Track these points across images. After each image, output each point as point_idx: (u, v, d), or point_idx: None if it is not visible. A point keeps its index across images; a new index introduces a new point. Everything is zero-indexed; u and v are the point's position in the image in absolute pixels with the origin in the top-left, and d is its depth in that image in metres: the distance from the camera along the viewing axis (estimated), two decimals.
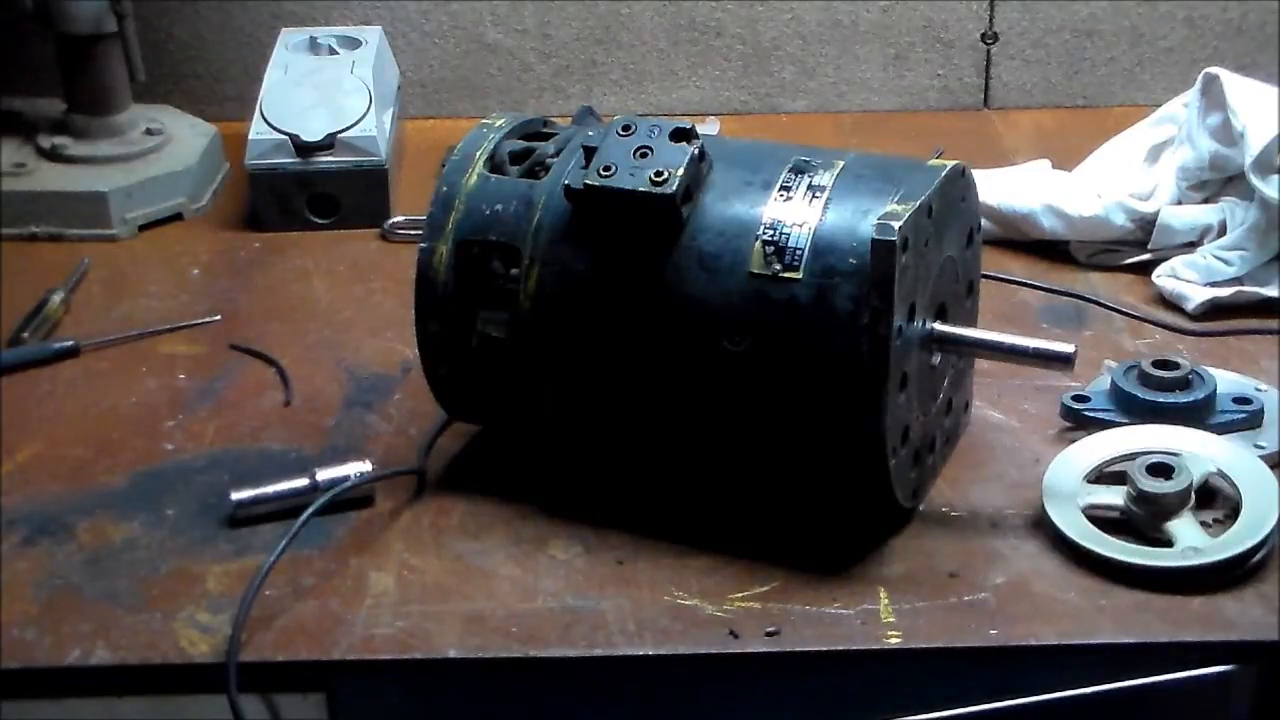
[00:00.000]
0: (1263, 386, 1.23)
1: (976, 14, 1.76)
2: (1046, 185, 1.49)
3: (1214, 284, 1.38)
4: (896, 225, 1.00)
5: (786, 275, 1.04)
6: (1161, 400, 1.18)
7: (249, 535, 1.12)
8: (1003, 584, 1.06)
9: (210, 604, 1.05)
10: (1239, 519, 1.09)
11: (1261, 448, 1.16)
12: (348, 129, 1.54)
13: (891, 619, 1.03)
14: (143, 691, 1.03)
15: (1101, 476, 1.14)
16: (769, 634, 1.02)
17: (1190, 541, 1.07)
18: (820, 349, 1.03)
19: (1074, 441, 1.17)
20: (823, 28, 1.76)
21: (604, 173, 1.06)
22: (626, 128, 1.08)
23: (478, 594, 1.06)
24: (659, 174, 1.05)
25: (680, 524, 1.11)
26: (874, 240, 1.00)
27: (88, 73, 1.58)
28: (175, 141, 1.62)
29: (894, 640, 1.02)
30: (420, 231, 1.13)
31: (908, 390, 1.06)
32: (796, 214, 1.05)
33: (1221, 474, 1.12)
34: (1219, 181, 1.44)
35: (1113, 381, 1.20)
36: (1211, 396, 1.18)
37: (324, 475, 1.14)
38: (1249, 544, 1.06)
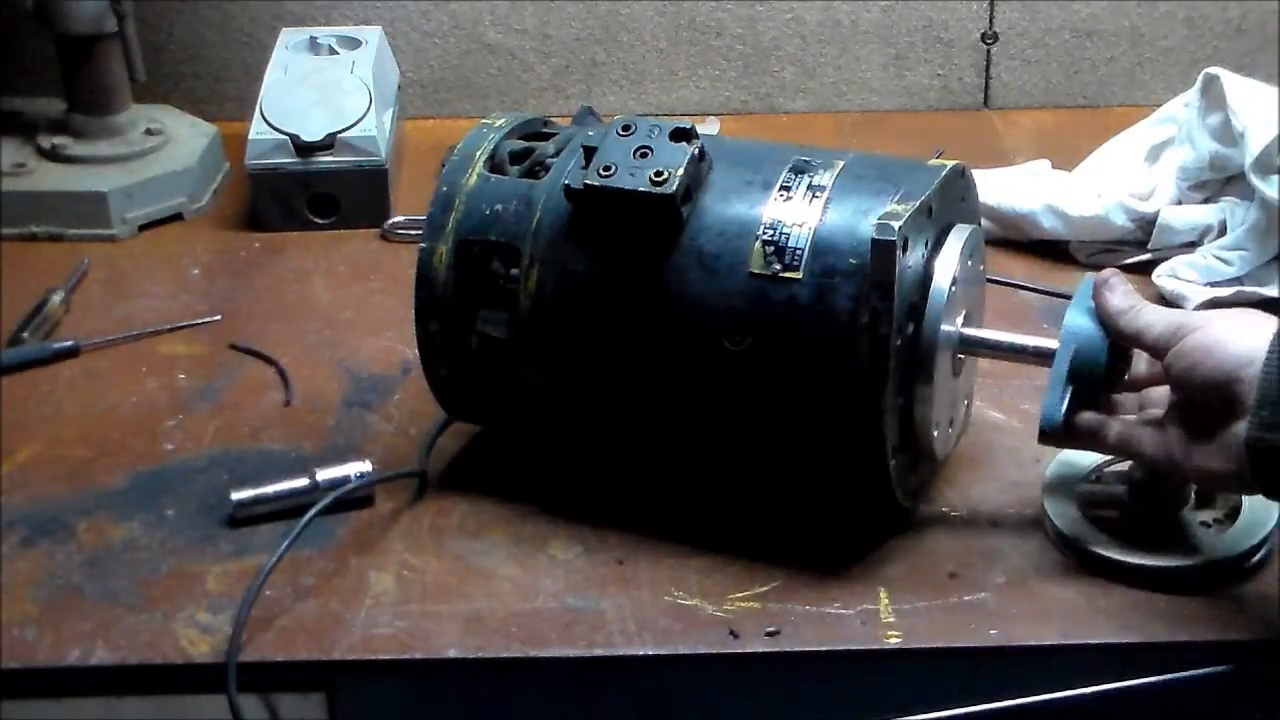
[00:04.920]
0: None
1: (976, 14, 1.76)
2: (1046, 185, 1.49)
3: (1214, 284, 1.38)
4: (896, 225, 1.00)
5: (786, 275, 1.04)
6: None
7: (249, 535, 1.12)
8: (1003, 584, 1.06)
9: (210, 604, 1.05)
10: (1239, 519, 1.09)
11: None
12: (348, 129, 1.54)
13: (891, 619, 1.03)
14: (143, 691, 1.03)
15: (1102, 476, 1.14)
16: (769, 634, 1.02)
17: (1191, 540, 1.07)
18: (820, 349, 1.03)
19: None
20: (823, 28, 1.76)
21: (604, 173, 1.06)
22: (626, 128, 1.08)
23: (478, 594, 1.06)
24: (659, 174, 1.05)
25: (680, 524, 1.11)
26: (874, 240, 1.00)
27: (88, 73, 1.58)
28: (175, 141, 1.62)
29: (894, 640, 1.02)
30: (420, 231, 1.13)
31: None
32: (796, 214, 1.05)
33: None
34: (1219, 181, 1.44)
35: None
36: None
37: (324, 475, 1.14)
38: (1249, 544, 1.06)
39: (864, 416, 1.03)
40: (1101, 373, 1.05)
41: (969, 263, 1.09)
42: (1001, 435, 1.21)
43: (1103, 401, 1.06)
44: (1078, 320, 1.06)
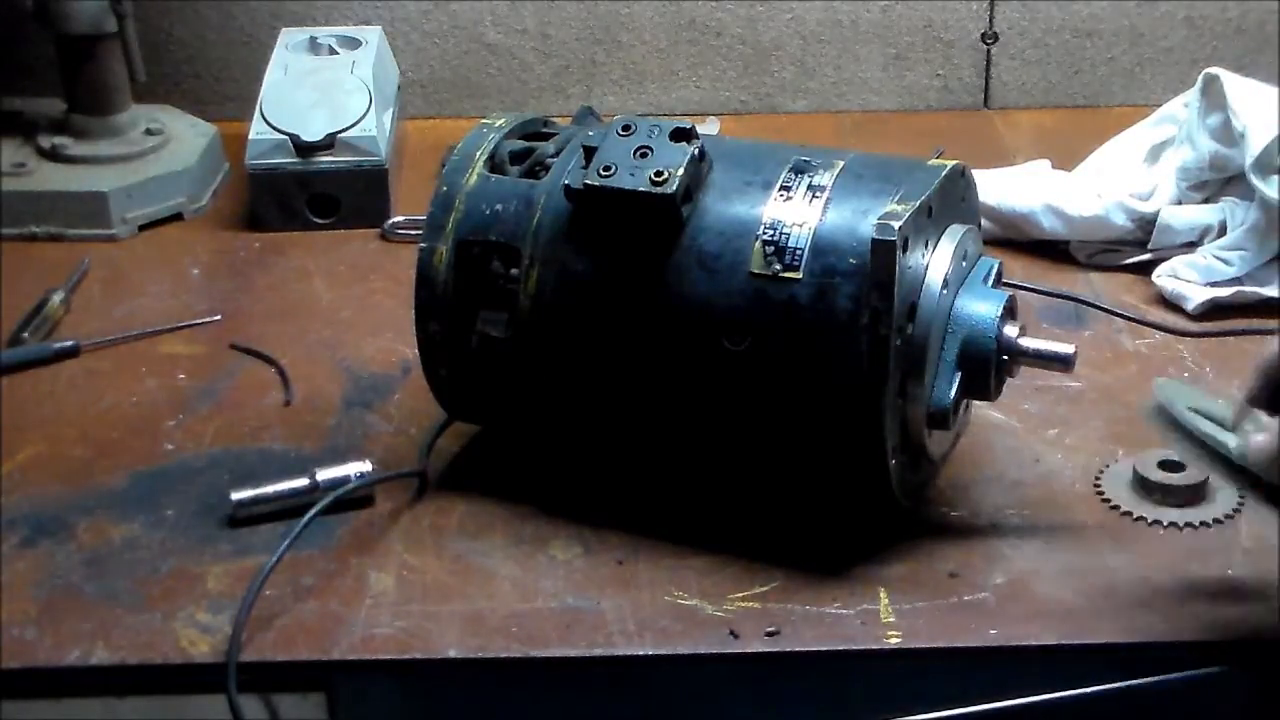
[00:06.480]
0: None
1: (976, 14, 1.76)
2: (1046, 185, 1.49)
3: (1214, 284, 1.38)
4: (896, 225, 1.00)
5: (786, 275, 1.04)
6: None
7: (249, 535, 1.12)
8: (1003, 584, 1.06)
9: (210, 604, 1.05)
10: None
11: None
12: (348, 129, 1.54)
13: (891, 619, 1.03)
14: (143, 691, 1.03)
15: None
16: (769, 634, 1.02)
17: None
18: (820, 349, 1.03)
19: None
20: (823, 28, 1.76)
21: (604, 173, 1.06)
22: (626, 128, 1.08)
23: (478, 594, 1.06)
24: (659, 174, 1.05)
25: (680, 524, 1.11)
26: (874, 240, 1.00)
27: (88, 73, 1.58)
28: (175, 141, 1.62)
29: (894, 640, 1.02)
30: (420, 231, 1.13)
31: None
32: (796, 214, 1.05)
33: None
34: (1219, 181, 1.44)
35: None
36: None
37: (324, 475, 1.14)
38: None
39: (864, 416, 1.03)
40: (991, 357, 1.07)
41: (963, 263, 1.09)
42: (1001, 435, 1.21)
43: (994, 385, 1.08)
44: (967, 305, 1.07)
